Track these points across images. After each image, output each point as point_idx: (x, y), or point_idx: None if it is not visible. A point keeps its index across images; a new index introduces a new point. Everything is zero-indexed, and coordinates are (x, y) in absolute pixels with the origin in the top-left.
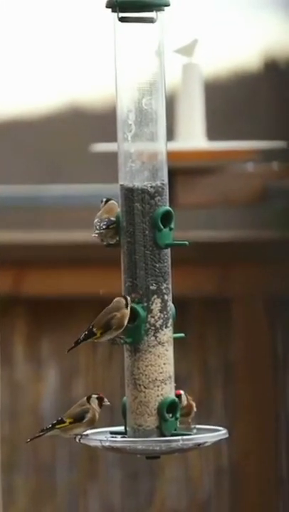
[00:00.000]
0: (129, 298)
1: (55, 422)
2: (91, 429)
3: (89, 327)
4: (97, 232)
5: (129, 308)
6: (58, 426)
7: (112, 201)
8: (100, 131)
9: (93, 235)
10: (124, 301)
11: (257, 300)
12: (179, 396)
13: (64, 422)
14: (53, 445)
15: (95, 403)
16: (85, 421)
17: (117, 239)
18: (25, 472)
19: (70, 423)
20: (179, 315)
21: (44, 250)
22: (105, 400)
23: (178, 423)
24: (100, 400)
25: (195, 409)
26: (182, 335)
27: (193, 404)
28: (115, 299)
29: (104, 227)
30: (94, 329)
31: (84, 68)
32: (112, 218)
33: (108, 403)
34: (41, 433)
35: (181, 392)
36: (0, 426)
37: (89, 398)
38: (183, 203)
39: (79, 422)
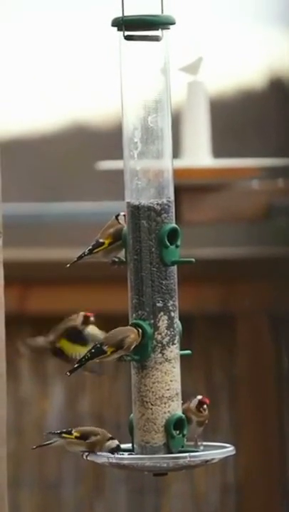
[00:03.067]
0: (140, 330)
1: (64, 430)
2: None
3: (96, 345)
4: (82, 256)
5: (140, 337)
6: (64, 435)
7: (119, 216)
8: (105, 149)
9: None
10: (136, 330)
11: (262, 317)
12: (207, 405)
13: (71, 434)
14: (58, 461)
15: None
16: (88, 441)
17: (118, 256)
18: (31, 488)
19: (76, 438)
20: (184, 332)
21: (49, 268)
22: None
23: (185, 440)
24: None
25: (207, 421)
26: (189, 352)
27: (208, 416)
28: (127, 327)
29: (87, 252)
30: (104, 347)
31: (88, 86)
32: (101, 240)
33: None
34: (48, 437)
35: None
36: (6, 442)
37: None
38: (189, 220)
39: (83, 440)
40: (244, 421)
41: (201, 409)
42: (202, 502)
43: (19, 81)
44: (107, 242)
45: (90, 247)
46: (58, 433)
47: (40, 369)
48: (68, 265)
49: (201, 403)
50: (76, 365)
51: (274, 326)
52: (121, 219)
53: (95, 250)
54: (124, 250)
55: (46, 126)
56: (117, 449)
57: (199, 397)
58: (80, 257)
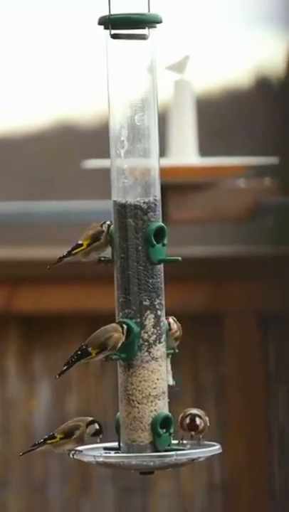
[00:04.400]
0: (124, 326)
1: (46, 437)
2: (83, 445)
3: (81, 347)
4: (61, 258)
5: (124, 335)
6: (49, 441)
7: (105, 223)
8: (91, 147)
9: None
10: (120, 329)
11: (249, 315)
12: (196, 427)
13: (55, 438)
14: (45, 462)
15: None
16: (74, 437)
17: (103, 255)
18: (18, 489)
19: (61, 439)
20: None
21: (36, 267)
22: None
23: (171, 438)
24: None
25: (208, 424)
26: (175, 350)
27: (207, 420)
28: (111, 325)
29: (65, 254)
30: (89, 349)
31: (75, 85)
32: (80, 242)
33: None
34: (33, 447)
35: (197, 423)
36: None
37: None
38: (175, 218)
39: (68, 438)
40: (231, 420)
41: (191, 431)
42: (189, 501)
43: (4, 81)
44: (85, 243)
45: (69, 249)
46: (41, 442)
47: (27, 369)
48: (49, 267)
49: (189, 428)
50: (64, 368)
51: (262, 324)
52: (105, 226)
53: (74, 252)
54: (110, 248)
55: (33, 125)
56: (98, 433)
57: (188, 420)
58: (60, 259)
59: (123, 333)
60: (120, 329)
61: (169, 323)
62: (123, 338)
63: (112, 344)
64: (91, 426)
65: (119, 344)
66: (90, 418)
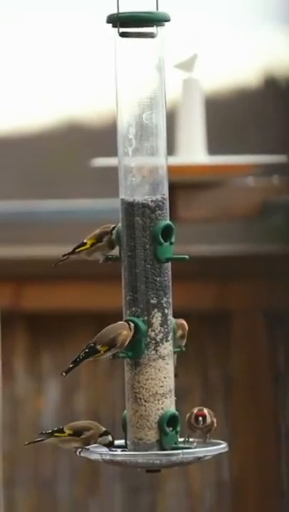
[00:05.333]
0: (131, 324)
1: (55, 429)
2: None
3: (89, 344)
4: (65, 256)
5: (132, 332)
6: (56, 434)
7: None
8: (99, 146)
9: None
10: (127, 326)
11: (257, 314)
12: (204, 417)
13: (63, 432)
14: (53, 460)
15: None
16: (82, 437)
17: (111, 253)
18: (26, 487)
19: (69, 435)
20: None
21: (42, 265)
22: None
23: (178, 436)
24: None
25: (216, 424)
26: (182, 349)
27: (215, 421)
28: (119, 322)
29: (70, 252)
30: (97, 346)
31: (83, 83)
32: (84, 240)
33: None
34: (39, 439)
35: (205, 412)
36: (1, 441)
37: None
38: (183, 217)
39: (77, 436)
40: (239, 418)
41: (198, 421)
42: (197, 499)
43: (12, 79)
44: (89, 242)
45: (74, 247)
46: (49, 433)
47: (34, 367)
48: (54, 265)
49: (196, 417)
50: (71, 365)
51: (269, 323)
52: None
53: (77, 250)
54: (117, 247)
55: (40, 123)
56: (109, 445)
57: (195, 410)
58: (64, 256)
59: (131, 330)
60: (127, 326)
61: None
62: (131, 335)
63: (121, 342)
64: (105, 437)
65: (127, 341)
66: (104, 429)
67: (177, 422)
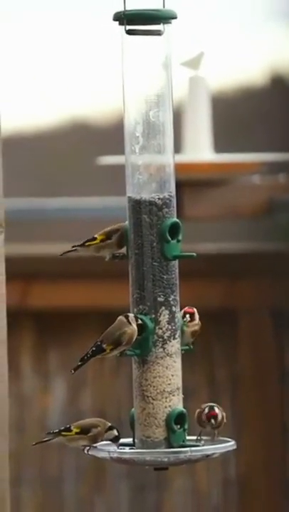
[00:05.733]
0: (129, 315)
1: (62, 428)
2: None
3: (96, 343)
4: (74, 247)
5: (134, 324)
6: (63, 433)
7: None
8: (106, 144)
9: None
10: (125, 319)
11: (264, 312)
12: (216, 417)
13: (70, 431)
14: (60, 458)
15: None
16: (90, 435)
17: (119, 251)
18: (33, 485)
19: (76, 433)
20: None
21: (50, 263)
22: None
23: (186, 434)
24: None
25: (225, 420)
26: (190, 347)
27: (224, 415)
28: (118, 319)
29: (79, 244)
30: (103, 345)
31: (90, 81)
32: (95, 236)
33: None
34: (47, 438)
35: (217, 412)
36: (8, 439)
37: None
38: (190, 215)
39: (84, 434)
40: (246, 416)
41: (211, 422)
42: (204, 498)
43: (20, 77)
44: (99, 238)
45: (84, 240)
46: (56, 432)
47: (41, 365)
48: (61, 254)
49: (208, 417)
50: (79, 363)
51: (276, 321)
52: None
53: (87, 244)
54: (124, 246)
55: (47, 121)
56: (115, 440)
57: (205, 408)
58: (73, 248)
59: (131, 323)
60: (127, 321)
61: (193, 314)
62: (136, 330)
63: (126, 340)
64: (110, 432)
65: (134, 338)
66: (110, 424)
67: (185, 420)
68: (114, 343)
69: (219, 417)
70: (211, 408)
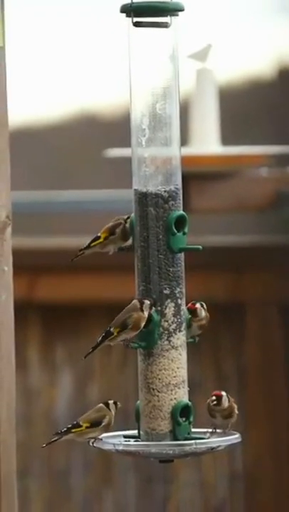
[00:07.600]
0: (146, 301)
1: (70, 425)
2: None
3: (107, 329)
4: (82, 251)
5: (146, 312)
6: (73, 430)
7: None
8: (112, 137)
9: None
10: (138, 305)
11: (270, 305)
12: (220, 397)
13: (80, 426)
14: (67, 450)
15: (113, 408)
16: (101, 426)
17: (125, 244)
18: (40, 477)
19: (87, 427)
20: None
21: (58, 256)
22: (118, 403)
23: (191, 427)
24: (116, 404)
25: (237, 411)
26: (195, 339)
27: (235, 407)
28: (132, 303)
29: (85, 246)
30: (111, 329)
31: (96, 74)
32: (99, 234)
33: (119, 405)
34: (57, 437)
35: (223, 393)
36: (15, 431)
37: (107, 405)
38: (196, 207)
39: (96, 427)
40: (253, 409)
41: (216, 403)
42: (211, 490)
43: (29, 71)
44: (103, 236)
45: (89, 242)
46: (65, 431)
47: (48, 358)
48: (71, 260)
49: (212, 397)
50: (91, 350)
51: (283, 313)
52: (128, 221)
53: (92, 244)
54: (130, 238)
55: (55, 115)
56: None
57: (213, 396)
58: (80, 251)
59: (142, 310)
60: (138, 305)
61: (196, 309)
62: (144, 316)
63: (132, 323)
64: (110, 405)
65: (142, 323)
66: (101, 404)
67: (190, 413)
68: (121, 326)
69: (226, 404)
70: (218, 391)
